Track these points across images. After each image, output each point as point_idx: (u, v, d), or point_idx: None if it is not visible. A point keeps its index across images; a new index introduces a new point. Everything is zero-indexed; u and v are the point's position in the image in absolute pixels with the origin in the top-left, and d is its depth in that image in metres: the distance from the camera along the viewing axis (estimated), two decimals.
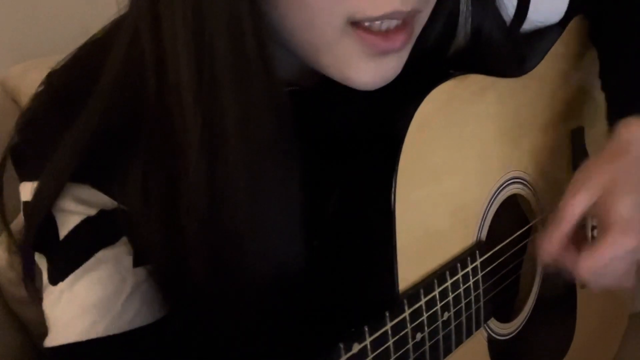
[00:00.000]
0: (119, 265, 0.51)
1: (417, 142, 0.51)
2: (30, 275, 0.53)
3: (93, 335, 0.50)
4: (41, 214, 0.50)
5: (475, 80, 0.58)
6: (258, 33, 0.45)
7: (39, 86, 0.53)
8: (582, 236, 0.61)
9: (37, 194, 0.50)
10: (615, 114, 0.63)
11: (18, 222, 0.54)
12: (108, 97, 0.50)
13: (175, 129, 0.47)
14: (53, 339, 0.52)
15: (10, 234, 0.55)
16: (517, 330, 0.67)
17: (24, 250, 0.52)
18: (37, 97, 0.53)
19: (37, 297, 0.53)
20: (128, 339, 0.52)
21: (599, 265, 0.55)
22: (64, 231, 0.51)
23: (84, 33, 0.55)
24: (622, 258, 0.55)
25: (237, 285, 0.50)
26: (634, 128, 0.60)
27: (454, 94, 0.55)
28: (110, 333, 0.51)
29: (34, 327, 0.52)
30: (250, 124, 0.47)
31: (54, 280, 0.51)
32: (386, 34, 0.46)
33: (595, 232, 0.60)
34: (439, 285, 0.53)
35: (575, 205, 0.57)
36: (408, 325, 0.50)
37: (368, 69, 0.48)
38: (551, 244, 0.57)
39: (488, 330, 0.62)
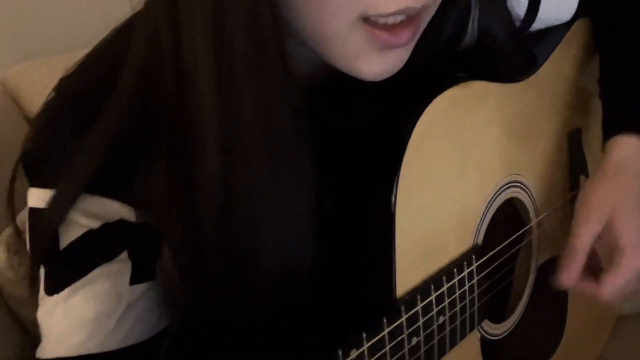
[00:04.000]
0: (116, 281, 0.50)
1: (419, 148, 0.52)
2: (36, 281, 0.51)
3: (84, 351, 0.50)
4: (54, 225, 0.49)
5: (477, 87, 0.58)
6: (276, 25, 0.45)
7: (50, 93, 0.52)
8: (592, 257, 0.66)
9: (52, 204, 0.49)
10: (609, 129, 0.66)
11: (20, 224, 0.54)
12: (129, 99, 0.49)
13: (194, 123, 0.47)
14: (45, 351, 0.51)
15: (19, 236, 0.54)
16: (509, 330, 0.68)
17: (32, 258, 0.51)
18: (49, 105, 0.52)
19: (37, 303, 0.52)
20: (120, 357, 0.51)
21: (618, 288, 0.61)
22: (64, 242, 0.50)
23: (84, 33, 0.54)
24: (638, 275, 0.61)
25: (248, 282, 0.50)
26: (625, 148, 0.64)
27: (456, 101, 0.56)
28: (102, 350, 0.50)
29: (34, 327, 0.52)
30: (268, 117, 0.47)
31: (49, 291, 0.50)
32: (393, 29, 0.46)
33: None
34: (436, 290, 0.54)
35: (585, 239, 0.62)
36: (405, 330, 0.51)
37: (376, 62, 0.48)
38: (571, 277, 0.63)
39: (481, 330, 0.63)
